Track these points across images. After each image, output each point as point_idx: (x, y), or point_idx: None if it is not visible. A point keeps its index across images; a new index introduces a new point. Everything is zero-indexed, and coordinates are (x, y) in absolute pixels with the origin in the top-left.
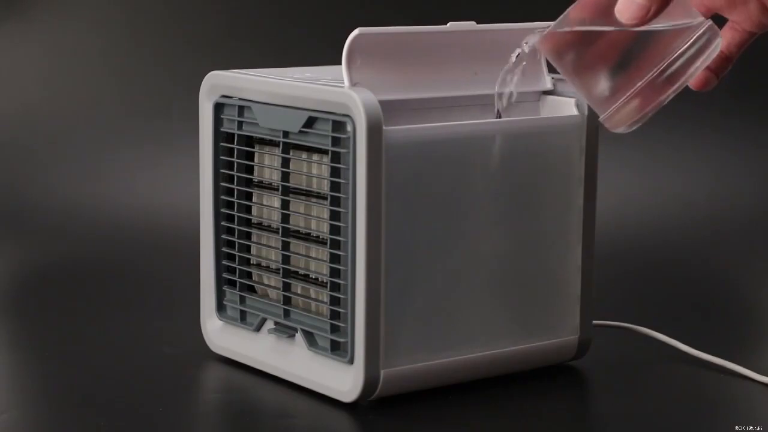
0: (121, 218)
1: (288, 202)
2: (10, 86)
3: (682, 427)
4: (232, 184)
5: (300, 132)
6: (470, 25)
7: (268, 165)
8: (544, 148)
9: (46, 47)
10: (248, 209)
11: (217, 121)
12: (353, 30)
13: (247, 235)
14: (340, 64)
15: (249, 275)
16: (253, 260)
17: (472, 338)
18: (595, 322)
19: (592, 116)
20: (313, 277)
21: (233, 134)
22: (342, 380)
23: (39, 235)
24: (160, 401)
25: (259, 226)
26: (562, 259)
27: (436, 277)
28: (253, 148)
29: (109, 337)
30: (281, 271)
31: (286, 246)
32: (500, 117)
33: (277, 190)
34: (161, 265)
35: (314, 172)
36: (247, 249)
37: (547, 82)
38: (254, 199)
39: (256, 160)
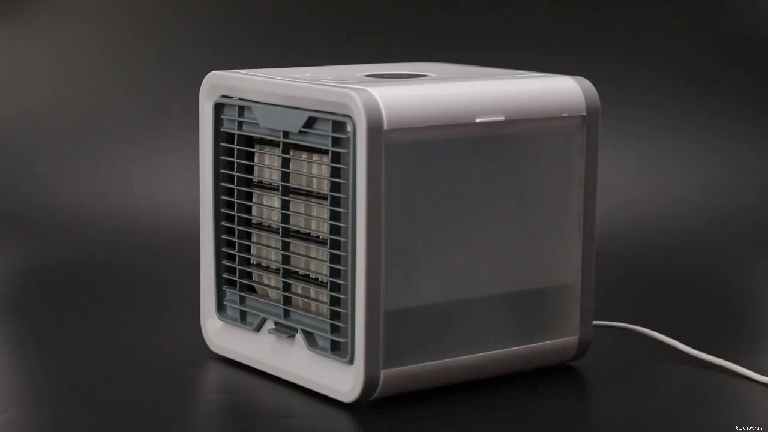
0: (121, 218)
1: (288, 202)
2: (10, 86)
3: (682, 427)
4: (232, 184)
5: (300, 132)
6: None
7: (268, 165)
8: (545, 148)
9: (47, 48)
10: (248, 209)
11: (217, 121)
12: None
13: (247, 236)
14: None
15: (249, 275)
16: (253, 260)
17: (472, 339)
18: (595, 322)
19: (592, 116)
20: (313, 277)
21: (233, 134)
22: (342, 380)
23: (39, 235)
24: (160, 401)
25: (259, 226)
26: (562, 259)
27: (437, 278)
28: (253, 148)
29: (108, 337)
30: (281, 272)
31: (286, 246)
32: None
33: (277, 190)
34: (161, 265)
35: (314, 172)
36: (247, 249)
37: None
38: (254, 199)
39: (256, 160)
